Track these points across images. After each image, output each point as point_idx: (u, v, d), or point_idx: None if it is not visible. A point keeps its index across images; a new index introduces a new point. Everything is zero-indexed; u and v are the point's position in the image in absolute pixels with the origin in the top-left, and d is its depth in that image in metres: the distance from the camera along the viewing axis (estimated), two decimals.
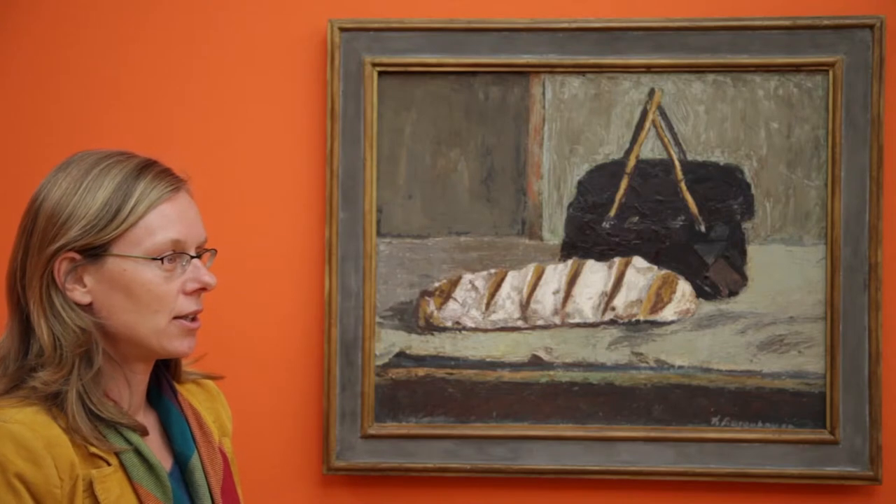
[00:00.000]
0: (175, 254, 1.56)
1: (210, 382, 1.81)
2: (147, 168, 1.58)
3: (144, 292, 1.54)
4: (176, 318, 1.56)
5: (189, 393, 1.74)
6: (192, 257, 1.58)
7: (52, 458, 1.46)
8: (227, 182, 2.42)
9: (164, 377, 1.68)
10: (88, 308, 1.55)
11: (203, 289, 1.58)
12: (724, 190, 2.38)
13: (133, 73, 2.43)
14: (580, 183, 2.39)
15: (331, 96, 2.38)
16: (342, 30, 2.37)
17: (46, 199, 1.56)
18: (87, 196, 1.54)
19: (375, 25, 2.38)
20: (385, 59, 2.38)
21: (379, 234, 2.40)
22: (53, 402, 1.51)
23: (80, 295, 1.55)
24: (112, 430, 1.53)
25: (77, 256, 1.54)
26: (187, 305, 1.57)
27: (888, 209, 2.36)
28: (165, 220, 1.56)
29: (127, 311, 1.54)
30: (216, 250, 1.65)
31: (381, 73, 2.38)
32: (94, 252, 1.54)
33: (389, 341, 2.40)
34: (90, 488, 1.49)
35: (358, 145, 2.38)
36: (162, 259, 1.54)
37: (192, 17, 2.43)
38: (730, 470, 2.36)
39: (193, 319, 1.59)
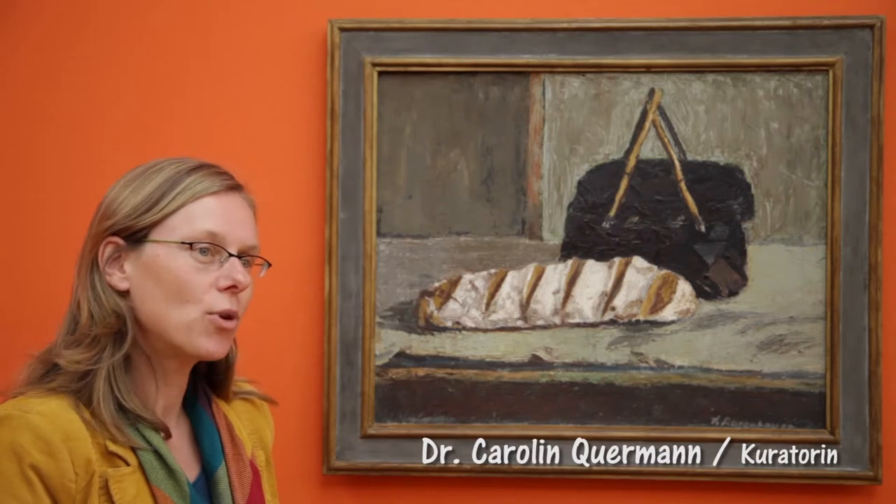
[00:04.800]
0: (212, 246, 1.56)
1: (264, 405, 1.80)
2: (203, 167, 1.60)
3: (173, 279, 1.54)
4: (208, 314, 1.55)
5: (231, 406, 1.73)
6: (231, 255, 1.57)
7: (68, 451, 1.46)
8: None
9: (202, 386, 1.67)
10: (126, 294, 1.56)
11: (235, 286, 1.56)
12: (724, 190, 2.38)
13: (133, 74, 2.43)
14: (580, 183, 2.39)
15: (331, 96, 2.38)
16: (342, 30, 2.37)
17: (109, 193, 1.60)
18: (139, 187, 1.57)
19: (375, 25, 2.38)
20: (385, 59, 2.38)
21: (379, 234, 2.40)
22: (80, 389, 1.52)
23: (118, 280, 1.56)
24: (132, 429, 1.53)
25: (120, 242, 1.56)
26: (219, 302, 1.56)
27: (888, 209, 2.36)
28: (206, 211, 1.56)
29: (157, 299, 1.55)
30: (269, 263, 1.65)
31: (381, 73, 2.38)
32: (135, 237, 1.55)
33: (389, 341, 2.40)
34: (105, 486, 1.49)
35: (358, 145, 2.38)
36: (192, 245, 1.54)
37: (192, 17, 2.43)
38: (730, 470, 2.36)
39: (228, 319, 1.57)
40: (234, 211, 1.59)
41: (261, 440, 1.76)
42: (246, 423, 1.74)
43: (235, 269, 1.57)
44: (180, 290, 1.54)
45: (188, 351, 1.57)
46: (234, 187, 1.61)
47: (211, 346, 1.57)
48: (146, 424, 1.54)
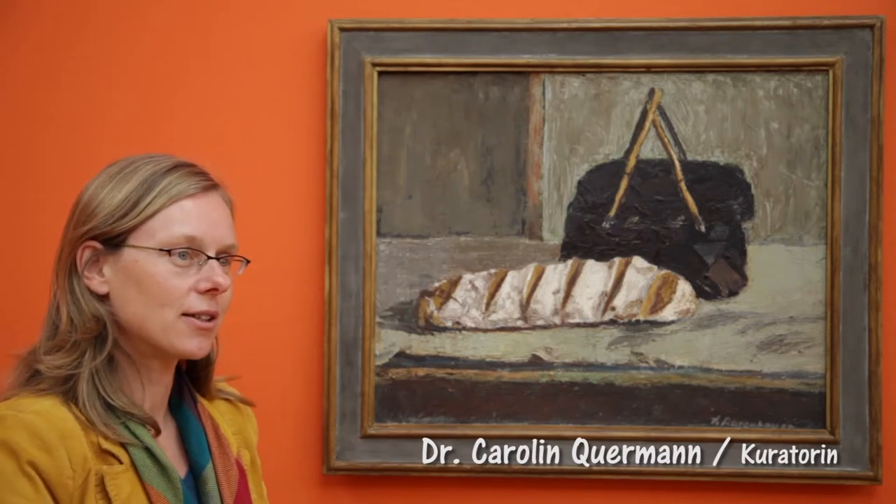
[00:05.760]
0: (190, 250, 1.56)
1: (248, 409, 1.81)
2: (179, 167, 1.60)
3: (153, 284, 1.54)
4: (185, 315, 1.56)
5: (214, 406, 1.74)
6: (210, 258, 1.58)
7: (65, 449, 1.46)
8: (226, 182, 2.41)
9: (186, 386, 1.67)
10: (105, 298, 1.56)
11: (215, 289, 1.57)
12: (724, 190, 2.38)
13: (133, 74, 2.43)
14: (580, 183, 2.39)
15: (331, 96, 2.38)
16: (342, 30, 2.37)
17: (85, 192, 1.60)
18: (116, 188, 1.56)
19: (375, 25, 2.38)
20: (385, 59, 2.38)
21: (379, 234, 2.40)
22: (68, 391, 1.52)
23: (97, 284, 1.56)
24: (122, 426, 1.54)
25: (98, 246, 1.56)
26: (197, 304, 1.56)
27: (888, 209, 2.36)
28: (183, 215, 1.56)
29: (137, 303, 1.55)
30: (248, 260, 1.66)
31: (381, 73, 2.38)
32: (113, 242, 1.55)
33: (389, 341, 2.40)
34: (101, 484, 1.49)
35: (358, 145, 2.38)
36: (170, 252, 1.55)
37: (192, 17, 2.43)
38: (730, 470, 2.36)
39: (209, 320, 1.58)
40: (210, 212, 1.60)
41: (245, 440, 1.76)
42: (229, 423, 1.74)
43: (215, 272, 1.57)
44: (159, 295, 1.55)
45: (169, 352, 1.57)
46: (211, 186, 1.62)
47: (192, 347, 1.57)
48: (136, 421, 1.54)
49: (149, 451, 1.54)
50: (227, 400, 1.78)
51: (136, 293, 1.55)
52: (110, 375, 1.55)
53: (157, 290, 1.54)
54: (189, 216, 1.57)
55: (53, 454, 1.46)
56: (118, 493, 1.49)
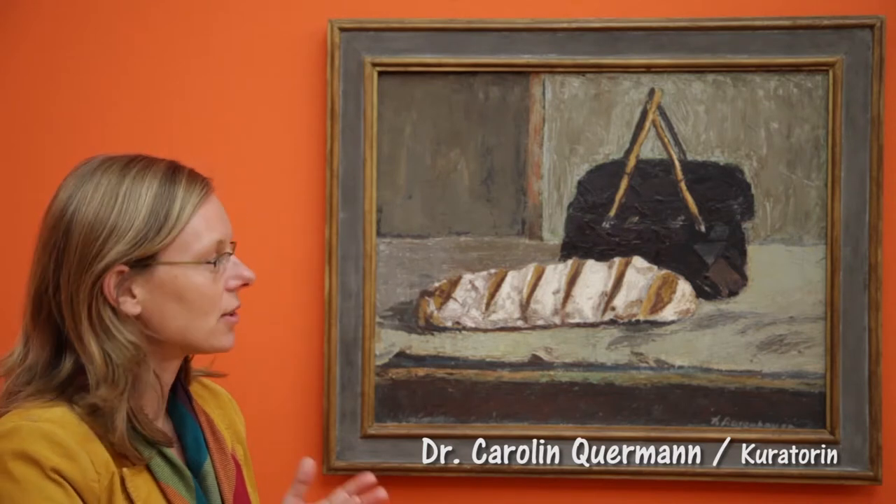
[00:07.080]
0: (219, 254, 1.56)
1: (222, 391, 1.80)
2: (177, 171, 1.57)
3: (198, 296, 1.54)
4: (224, 316, 1.57)
5: (202, 399, 1.73)
6: (231, 254, 1.59)
7: (86, 453, 1.45)
8: (226, 182, 2.39)
9: (180, 384, 1.67)
10: (138, 318, 1.53)
11: (246, 284, 1.59)
12: (724, 190, 2.38)
13: (133, 74, 2.43)
14: (580, 183, 2.39)
15: (331, 96, 2.38)
16: (342, 30, 2.37)
17: (78, 212, 1.52)
18: (129, 206, 1.52)
19: (375, 25, 2.38)
20: (385, 59, 2.38)
21: (379, 234, 2.40)
22: (93, 411, 1.49)
23: (130, 306, 1.52)
24: (139, 439, 1.53)
25: (125, 269, 1.51)
26: (231, 302, 1.58)
27: (888, 209, 2.36)
28: (207, 222, 1.55)
29: (180, 316, 1.54)
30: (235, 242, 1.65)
31: (381, 73, 2.38)
32: (143, 262, 1.52)
33: (389, 341, 2.40)
34: (122, 485, 1.48)
35: (358, 145, 2.38)
36: (214, 262, 1.54)
37: (192, 17, 2.43)
38: (730, 470, 2.36)
39: (233, 314, 1.60)
40: (220, 211, 1.59)
41: (236, 434, 1.76)
42: (221, 417, 1.74)
43: (241, 267, 1.59)
44: (204, 305, 1.55)
45: (207, 351, 1.59)
46: (210, 184, 1.60)
47: (227, 343, 1.59)
48: (154, 441, 1.55)
49: (161, 454, 1.54)
50: (201, 383, 1.77)
51: (178, 308, 1.54)
52: (136, 396, 1.53)
53: (201, 301, 1.54)
54: (211, 222, 1.55)
55: (76, 459, 1.44)
56: (138, 495, 1.49)
